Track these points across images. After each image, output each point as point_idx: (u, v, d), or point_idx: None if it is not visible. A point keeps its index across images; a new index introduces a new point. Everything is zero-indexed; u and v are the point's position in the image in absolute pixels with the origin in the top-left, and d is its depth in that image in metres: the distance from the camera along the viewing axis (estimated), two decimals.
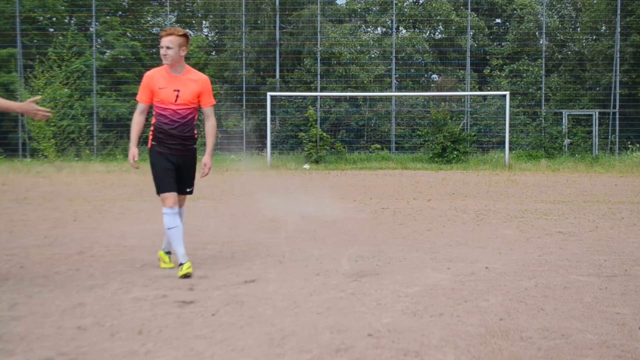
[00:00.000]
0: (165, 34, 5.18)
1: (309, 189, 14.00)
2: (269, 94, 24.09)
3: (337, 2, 32.13)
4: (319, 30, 28.30)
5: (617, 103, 26.99)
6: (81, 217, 8.98)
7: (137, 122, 5.36)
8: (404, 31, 32.25)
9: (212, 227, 8.01)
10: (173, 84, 5.24)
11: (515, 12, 31.35)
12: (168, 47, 5.15)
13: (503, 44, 31.53)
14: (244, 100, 27.39)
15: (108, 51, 28.61)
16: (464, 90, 28.24)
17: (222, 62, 29.34)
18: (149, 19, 31.57)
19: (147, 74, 5.31)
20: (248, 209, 9.74)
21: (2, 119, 26.85)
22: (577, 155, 24.71)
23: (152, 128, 5.37)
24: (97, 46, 28.12)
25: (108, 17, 28.64)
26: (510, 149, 24.01)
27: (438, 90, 29.02)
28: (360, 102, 28.59)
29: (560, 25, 30.60)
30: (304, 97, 27.65)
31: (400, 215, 9.28)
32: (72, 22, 29.65)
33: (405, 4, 32.38)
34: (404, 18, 31.83)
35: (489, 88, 29.29)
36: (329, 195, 12.15)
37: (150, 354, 3.34)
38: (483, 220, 8.74)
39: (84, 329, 3.75)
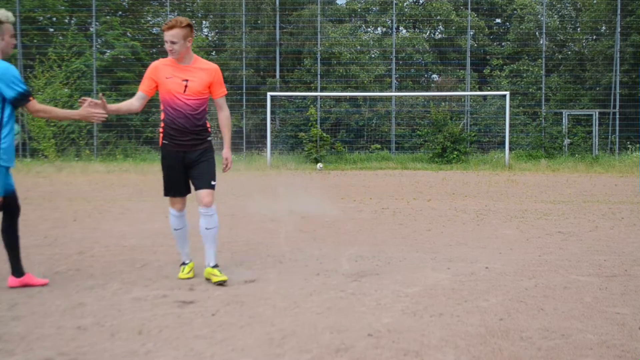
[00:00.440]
0: (167, 27, 4.82)
1: (308, 189, 14.00)
2: (269, 94, 24.08)
3: (337, 2, 32.12)
4: (319, 30, 28.30)
5: (617, 103, 26.98)
6: (81, 217, 8.98)
7: (127, 101, 5.02)
8: (404, 31, 32.25)
9: None
10: (181, 73, 4.91)
11: (515, 12, 31.34)
12: (172, 42, 4.81)
13: (503, 44, 31.52)
14: (244, 100, 27.39)
15: (108, 51, 28.61)
16: (464, 90, 28.24)
17: (222, 62, 29.30)
18: (149, 19, 31.56)
19: (153, 63, 5.01)
20: (248, 209, 9.74)
21: None
22: (577, 155, 24.71)
23: (161, 125, 5.05)
24: (97, 46, 28.12)
25: (108, 17, 28.64)
26: (510, 149, 24.00)
27: (438, 90, 29.01)
28: (360, 102, 28.59)
29: (560, 25, 30.60)
30: (304, 97, 27.65)
31: (400, 215, 9.28)
32: (72, 22, 29.65)
33: (405, 4, 32.37)
34: (404, 18, 31.83)
35: (489, 88, 29.29)
36: (329, 195, 12.15)
37: (150, 354, 3.34)
38: (483, 220, 8.74)
39: (84, 329, 3.75)
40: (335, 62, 28.32)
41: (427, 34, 32.06)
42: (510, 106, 23.78)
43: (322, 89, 27.58)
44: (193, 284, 4.88)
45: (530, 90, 28.22)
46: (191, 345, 3.46)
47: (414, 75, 30.43)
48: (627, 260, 5.86)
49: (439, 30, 32.29)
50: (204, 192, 4.95)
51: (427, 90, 29.48)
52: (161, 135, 5.04)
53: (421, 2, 32.93)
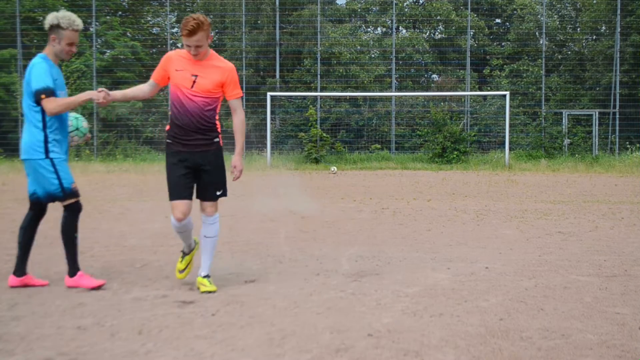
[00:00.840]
0: (190, 33, 4.43)
1: (308, 189, 14.00)
2: (269, 94, 24.09)
3: (337, 2, 32.13)
4: (319, 30, 28.30)
5: (617, 103, 26.98)
6: (81, 217, 8.96)
7: (137, 86, 4.86)
8: (404, 31, 32.25)
9: None
10: (192, 68, 4.60)
11: (515, 12, 31.35)
12: (198, 47, 4.51)
13: (503, 44, 31.52)
14: (244, 100, 27.39)
15: (108, 51, 28.61)
16: (464, 90, 28.24)
17: None
18: (149, 19, 31.57)
19: (168, 53, 4.74)
20: (248, 209, 9.74)
21: (2, 119, 26.86)
22: (577, 155, 24.70)
23: (168, 122, 4.77)
24: (97, 46, 28.12)
25: (108, 17, 28.64)
26: (510, 149, 24.00)
27: (438, 90, 29.01)
28: (360, 102, 28.59)
29: (560, 25, 30.60)
30: (304, 97, 27.65)
31: (400, 215, 9.28)
32: None
33: (405, 4, 32.38)
34: (404, 18, 31.83)
35: (489, 88, 29.29)
36: (328, 196, 12.15)
37: (150, 354, 3.34)
38: (483, 220, 8.74)
39: (84, 329, 3.75)
40: (335, 62, 28.32)
41: (427, 34, 32.06)
42: (510, 106, 23.78)
43: (322, 89, 27.58)
44: (193, 284, 4.88)
45: (530, 90, 28.22)
46: (191, 345, 3.46)
47: (414, 75, 30.43)
48: (627, 260, 5.86)
49: (439, 30, 32.29)
50: (207, 203, 4.76)
51: (427, 90, 29.48)
52: (167, 134, 4.79)
53: (421, 2, 32.94)
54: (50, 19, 4.82)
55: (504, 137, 23.83)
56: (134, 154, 25.19)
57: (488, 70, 29.53)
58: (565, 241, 6.95)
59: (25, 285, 4.77)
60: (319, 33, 28.27)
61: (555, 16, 30.86)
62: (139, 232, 7.52)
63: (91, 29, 28.05)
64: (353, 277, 5.15)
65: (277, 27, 28.25)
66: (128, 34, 29.35)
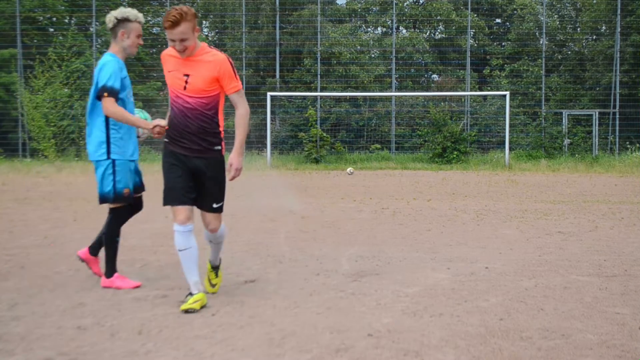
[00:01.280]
0: (172, 24, 4.01)
1: (308, 189, 14.00)
2: (269, 94, 24.09)
3: (337, 2, 32.12)
4: (319, 30, 28.30)
5: (617, 103, 26.99)
6: (81, 217, 8.97)
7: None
8: (404, 31, 32.25)
9: None
10: (183, 67, 4.19)
11: (515, 12, 31.35)
12: (183, 40, 4.07)
13: (503, 44, 31.53)
14: None
15: None
16: (464, 90, 28.24)
17: None
18: (149, 19, 31.56)
19: (162, 53, 4.35)
20: (248, 209, 9.74)
21: (2, 119, 26.86)
22: (577, 155, 24.71)
23: (167, 121, 4.43)
24: (97, 46, 28.12)
25: None
26: (510, 149, 24.01)
27: (438, 90, 29.02)
28: (360, 102, 28.60)
29: (560, 25, 30.60)
30: (304, 97, 27.65)
31: (400, 215, 9.28)
32: (72, 22, 29.66)
33: (405, 4, 32.38)
34: (404, 18, 31.83)
35: (489, 88, 29.29)
36: (328, 196, 12.15)
37: (150, 354, 3.34)
38: (483, 220, 8.74)
39: (84, 329, 3.75)
40: (335, 62, 28.32)
41: (427, 34, 32.06)
42: (510, 106, 23.78)
43: (322, 89, 27.59)
44: None
45: (530, 90, 28.22)
46: (191, 345, 3.46)
47: (414, 75, 30.43)
48: (627, 260, 5.85)
49: (439, 30, 32.30)
50: (209, 217, 4.36)
51: (427, 90, 29.49)
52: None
53: (421, 2, 32.93)
54: (118, 14, 4.76)
55: (504, 137, 23.83)
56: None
57: (488, 70, 29.53)
58: (565, 241, 6.95)
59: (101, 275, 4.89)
60: (319, 33, 28.27)
61: (555, 16, 30.87)
62: (139, 232, 7.52)
63: (91, 29, 28.07)
64: (353, 277, 5.15)
65: (277, 27, 28.25)
66: None
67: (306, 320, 3.90)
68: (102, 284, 4.83)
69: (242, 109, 4.31)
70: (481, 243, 6.82)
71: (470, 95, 27.74)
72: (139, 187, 5.05)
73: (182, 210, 4.18)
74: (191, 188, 4.23)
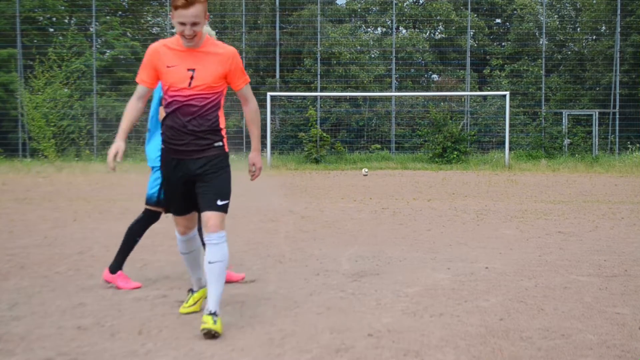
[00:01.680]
0: (186, 4, 3.54)
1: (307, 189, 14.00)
2: (269, 94, 24.09)
3: (337, 2, 32.13)
4: (319, 30, 28.30)
5: (617, 103, 26.99)
6: (81, 217, 8.98)
7: (131, 109, 3.87)
8: (404, 31, 32.25)
9: None
10: (187, 60, 3.73)
11: (515, 12, 31.36)
12: (195, 24, 3.60)
13: (503, 44, 31.53)
14: None
15: (108, 51, 28.61)
16: (464, 90, 28.24)
17: None
18: (149, 19, 31.59)
19: (152, 46, 3.84)
20: (248, 209, 9.74)
21: (2, 119, 26.86)
22: (577, 155, 24.71)
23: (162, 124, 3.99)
24: (97, 46, 28.12)
25: (108, 17, 28.64)
26: (510, 149, 24.01)
27: (438, 90, 29.02)
28: (360, 102, 28.60)
29: (560, 25, 30.61)
30: (304, 97, 27.66)
31: (400, 215, 9.28)
32: (72, 22, 29.66)
33: (405, 4, 32.39)
34: (404, 18, 31.84)
35: (489, 88, 29.30)
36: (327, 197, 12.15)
37: (150, 354, 3.33)
38: (483, 220, 8.74)
39: (84, 329, 3.75)
40: (335, 62, 28.33)
41: (427, 34, 32.06)
42: (510, 106, 23.78)
43: (322, 89, 27.59)
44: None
45: (530, 90, 28.22)
46: (191, 345, 3.46)
47: (414, 75, 30.43)
48: (627, 260, 5.85)
49: (438, 30, 32.30)
50: (208, 215, 3.77)
51: (427, 90, 29.49)
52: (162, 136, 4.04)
53: (421, 2, 32.94)
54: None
55: (503, 137, 23.84)
56: (134, 154, 25.20)
57: (488, 70, 29.54)
58: (565, 241, 6.95)
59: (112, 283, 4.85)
60: (319, 33, 28.28)
61: (555, 16, 30.87)
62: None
63: (91, 29, 28.06)
64: (353, 277, 5.15)
65: (277, 27, 28.25)
66: (128, 34, 29.35)
67: (306, 320, 3.90)
68: (104, 276, 4.85)
69: (253, 104, 4.06)
70: (481, 243, 6.82)
71: (470, 95, 27.74)
72: None
73: (181, 220, 3.98)
74: (191, 197, 3.88)
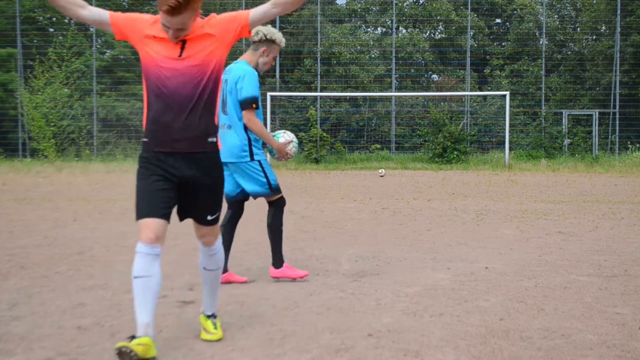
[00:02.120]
0: (171, 10, 3.08)
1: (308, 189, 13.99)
2: (269, 94, 24.09)
3: (337, 2, 32.14)
4: (319, 30, 28.31)
5: (617, 103, 26.99)
6: (81, 217, 8.98)
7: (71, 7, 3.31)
8: (404, 31, 32.26)
9: None
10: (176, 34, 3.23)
11: (515, 12, 31.36)
12: (179, 30, 3.20)
13: (503, 44, 31.54)
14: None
15: (108, 51, 28.62)
16: (464, 90, 28.25)
17: None
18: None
19: (140, 14, 3.40)
20: (248, 209, 9.73)
21: (2, 119, 26.87)
22: (577, 155, 24.71)
23: (145, 115, 3.41)
24: (97, 46, 28.12)
25: None
26: (510, 149, 24.01)
27: (438, 90, 29.03)
28: (360, 102, 28.60)
29: (560, 25, 30.61)
30: (304, 97, 27.67)
31: (400, 215, 9.28)
32: (72, 22, 29.65)
33: (405, 4, 32.39)
34: (404, 18, 31.85)
35: (489, 88, 29.30)
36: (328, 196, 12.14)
37: None
38: (483, 220, 8.74)
39: (84, 329, 3.75)
40: (335, 62, 28.33)
41: (427, 34, 32.07)
42: (510, 106, 23.78)
43: (322, 89, 27.59)
44: (193, 284, 4.88)
45: (530, 90, 28.23)
46: (191, 345, 3.46)
47: (414, 75, 30.44)
48: (627, 260, 5.85)
49: (438, 30, 32.31)
50: (203, 230, 3.48)
51: (427, 90, 29.50)
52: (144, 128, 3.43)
53: (421, 2, 32.94)
54: (267, 33, 4.98)
55: (504, 137, 23.84)
56: (134, 154, 25.20)
57: (488, 70, 29.55)
58: (565, 241, 6.95)
59: (228, 282, 4.89)
60: (319, 33, 28.28)
61: (555, 16, 30.88)
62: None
63: (91, 29, 28.06)
64: (353, 277, 5.15)
65: (277, 27, 28.25)
66: None
67: (306, 320, 3.90)
68: (272, 274, 5.00)
69: None
70: (481, 243, 6.82)
71: (470, 95, 27.75)
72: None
73: (151, 224, 3.21)
74: (171, 198, 3.27)
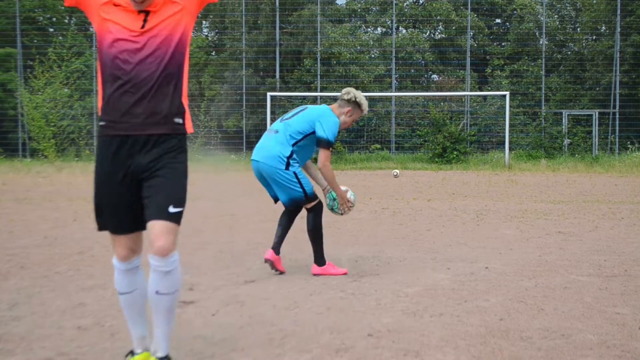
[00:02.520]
0: None
1: None
2: (268, 94, 24.09)
3: (337, 2, 32.14)
4: (319, 30, 28.30)
5: (617, 103, 27.00)
6: (81, 217, 8.97)
7: None
8: (404, 31, 32.27)
9: (212, 227, 8.01)
10: (137, 5, 2.81)
11: (515, 12, 31.36)
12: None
13: (503, 44, 31.54)
14: (244, 100, 27.38)
15: None
16: (464, 90, 28.25)
17: (222, 62, 29.35)
18: None
19: None
20: (248, 209, 9.74)
21: (2, 119, 26.87)
22: (577, 155, 24.72)
23: (100, 95, 2.92)
24: (97, 46, 28.14)
25: None
26: (510, 149, 24.01)
27: (438, 90, 29.04)
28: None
29: (560, 25, 30.61)
30: (304, 97, 27.67)
31: (400, 215, 9.28)
32: (72, 22, 29.68)
33: (405, 4, 32.40)
34: (404, 18, 31.85)
35: (489, 88, 29.31)
36: None
37: None
38: (483, 220, 8.74)
39: (84, 329, 3.75)
40: (335, 62, 28.33)
41: (427, 34, 32.08)
42: (510, 106, 23.79)
43: (322, 89, 27.59)
44: (193, 284, 4.88)
45: (530, 90, 28.23)
46: (191, 345, 3.46)
47: (414, 75, 30.45)
48: (627, 260, 5.85)
49: (438, 30, 32.31)
50: (157, 228, 2.83)
51: (427, 90, 29.50)
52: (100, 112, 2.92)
53: (421, 2, 32.95)
54: (358, 97, 5.31)
55: (503, 137, 23.84)
56: None
57: (488, 70, 29.55)
58: (565, 241, 6.95)
59: (325, 274, 5.16)
60: (319, 33, 28.28)
61: (555, 16, 30.88)
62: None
63: (91, 29, 28.05)
64: (353, 277, 5.15)
65: (277, 27, 28.25)
66: None
67: (306, 320, 3.90)
68: (313, 272, 5.21)
69: None
70: (481, 243, 6.82)
71: (470, 95, 27.76)
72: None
73: (122, 240, 3.03)
74: (136, 205, 2.90)
